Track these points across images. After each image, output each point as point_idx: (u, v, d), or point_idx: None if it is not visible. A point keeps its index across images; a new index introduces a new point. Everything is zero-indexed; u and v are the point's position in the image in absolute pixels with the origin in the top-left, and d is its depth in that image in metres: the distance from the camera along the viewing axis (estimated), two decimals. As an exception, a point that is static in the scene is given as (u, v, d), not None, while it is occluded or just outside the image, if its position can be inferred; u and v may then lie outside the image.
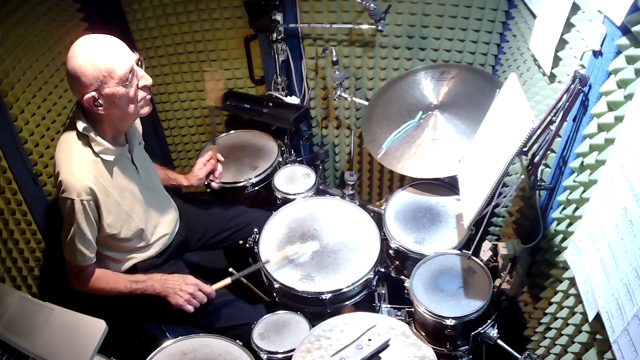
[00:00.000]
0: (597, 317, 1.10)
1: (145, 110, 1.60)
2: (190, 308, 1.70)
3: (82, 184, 1.52)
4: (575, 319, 1.32)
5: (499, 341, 1.53)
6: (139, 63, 1.55)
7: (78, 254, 1.61)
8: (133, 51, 1.53)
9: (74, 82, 1.47)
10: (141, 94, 1.56)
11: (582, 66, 1.33)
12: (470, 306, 1.50)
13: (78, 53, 1.44)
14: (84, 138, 1.56)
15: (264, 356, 1.64)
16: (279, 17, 2.38)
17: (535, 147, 1.50)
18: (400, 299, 1.77)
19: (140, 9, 2.50)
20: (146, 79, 1.55)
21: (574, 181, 1.32)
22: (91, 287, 1.70)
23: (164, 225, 1.88)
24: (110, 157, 1.60)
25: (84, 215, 1.55)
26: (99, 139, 1.56)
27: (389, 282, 1.98)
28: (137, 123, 1.81)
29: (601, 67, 1.21)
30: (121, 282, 1.71)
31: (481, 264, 1.63)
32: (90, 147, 1.56)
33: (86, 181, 1.53)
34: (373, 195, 3.05)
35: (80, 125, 1.54)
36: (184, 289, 1.70)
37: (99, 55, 1.44)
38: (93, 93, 1.46)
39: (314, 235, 1.93)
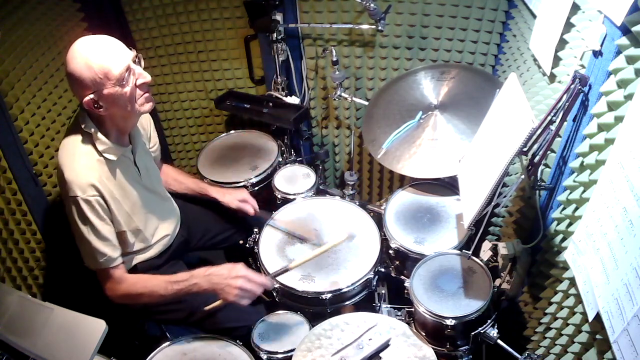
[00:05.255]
0: (597, 317, 1.10)
1: (147, 107, 1.58)
2: (245, 302, 1.58)
3: (86, 180, 1.51)
4: (575, 319, 1.32)
5: (499, 341, 1.53)
6: (137, 60, 1.53)
7: (98, 255, 1.56)
8: (130, 48, 1.52)
9: (73, 85, 1.47)
10: (139, 91, 1.55)
11: (582, 66, 1.32)
12: (470, 306, 1.50)
13: (74, 56, 1.43)
14: (87, 138, 1.55)
15: (264, 356, 1.64)
16: (279, 17, 2.39)
17: (535, 147, 1.50)
18: (400, 299, 1.77)
19: (140, 9, 2.51)
20: (144, 77, 1.53)
21: (574, 181, 1.32)
22: (126, 295, 1.63)
23: (164, 226, 1.87)
24: (114, 157, 1.59)
25: (92, 211, 1.53)
26: (102, 137, 1.56)
27: (389, 282, 1.98)
28: (144, 124, 1.81)
29: (601, 67, 1.21)
30: (161, 285, 1.62)
31: (481, 264, 1.63)
32: (94, 146, 1.56)
33: (90, 178, 1.51)
34: (373, 195, 3.05)
35: (84, 125, 1.54)
36: (232, 284, 1.56)
37: (94, 58, 1.43)
38: (92, 95, 1.46)
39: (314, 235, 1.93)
